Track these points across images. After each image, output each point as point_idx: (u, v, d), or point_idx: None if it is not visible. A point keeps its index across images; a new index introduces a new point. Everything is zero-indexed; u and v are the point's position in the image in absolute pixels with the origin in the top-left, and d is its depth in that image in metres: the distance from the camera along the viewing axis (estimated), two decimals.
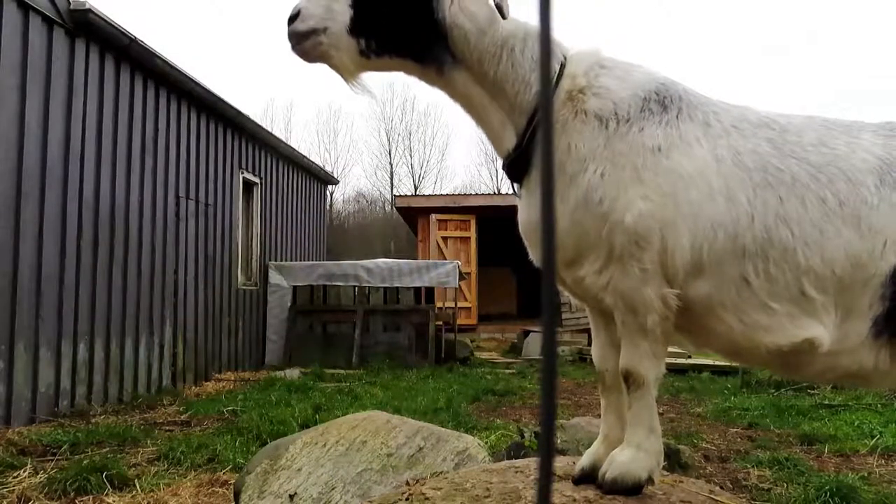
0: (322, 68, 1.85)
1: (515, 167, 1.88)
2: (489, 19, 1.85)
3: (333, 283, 11.99)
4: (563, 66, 1.85)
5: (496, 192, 29.62)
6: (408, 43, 1.84)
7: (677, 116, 1.80)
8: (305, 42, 1.82)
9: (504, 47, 1.86)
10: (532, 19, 1.89)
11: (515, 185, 1.94)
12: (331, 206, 30.47)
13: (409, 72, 1.91)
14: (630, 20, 58.87)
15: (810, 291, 1.75)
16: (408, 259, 13.88)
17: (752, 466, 4.88)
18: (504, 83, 1.86)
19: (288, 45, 1.84)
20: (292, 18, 1.82)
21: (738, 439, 5.89)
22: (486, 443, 4.64)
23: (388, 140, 39.37)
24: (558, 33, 1.98)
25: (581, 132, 1.78)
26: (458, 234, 16.64)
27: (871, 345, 1.77)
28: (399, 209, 19.00)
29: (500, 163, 1.99)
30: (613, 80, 1.83)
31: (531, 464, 2.12)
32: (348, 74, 1.86)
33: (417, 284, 11.94)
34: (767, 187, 1.76)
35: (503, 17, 1.82)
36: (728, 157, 1.78)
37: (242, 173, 11.23)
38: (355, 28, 1.80)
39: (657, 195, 1.72)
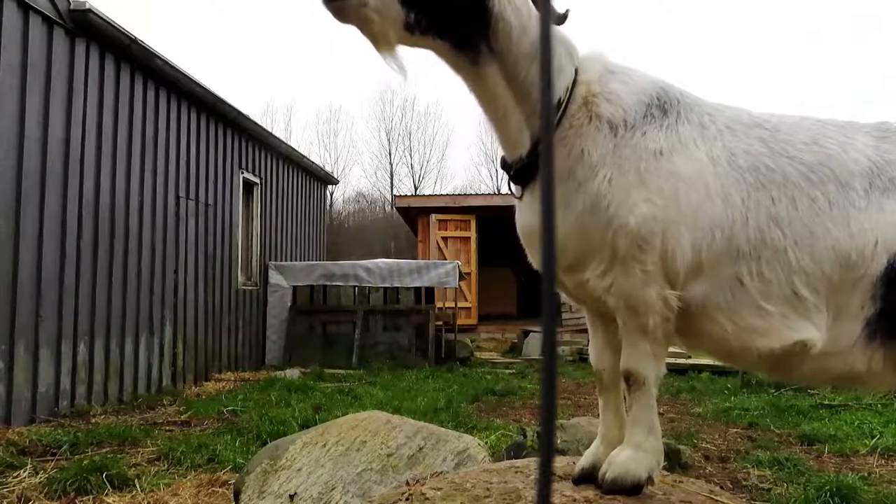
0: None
1: (526, 172, 1.85)
2: (529, 17, 1.80)
3: (333, 283, 11.99)
4: (577, 71, 1.83)
5: (496, 192, 29.59)
6: (456, 25, 1.76)
7: (676, 120, 1.81)
8: (347, 0, 1.65)
9: (537, 47, 1.80)
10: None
11: (517, 189, 1.92)
12: (331, 206, 30.47)
13: (441, 54, 1.82)
14: (630, 17, 58.91)
15: (802, 291, 1.75)
16: (408, 259, 13.87)
17: (752, 466, 4.88)
18: (532, 86, 1.80)
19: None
20: None
21: (738, 439, 5.89)
22: (486, 443, 4.63)
23: (388, 140, 39.44)
24: (573, 37, 1.92)
25: (595, 138, 1.77)
26: (458, 234, 16.64)
27: (863, 347, 1.77)
28: (399, 209, 18.99)
29: (500, 163, 1.96)
30: (621, 84, 1.83)
31: (531, 464, 2.12)
32: (386, 46, 1.73)
33: (417, 284, 11.94)
34: (760, 187, 1.78)
35: (562, 22, 1.77)
36: (723, 158, 1.79)
37: (242, 173, 11.23)
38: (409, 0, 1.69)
39: (659, 197, 1.72)
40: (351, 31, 1.74)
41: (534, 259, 1.92)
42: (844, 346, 1.77)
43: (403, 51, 1.77)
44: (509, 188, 1.95)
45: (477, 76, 1.82)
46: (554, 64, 1.81)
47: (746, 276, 1.75)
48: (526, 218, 1.90)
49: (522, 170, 1.85)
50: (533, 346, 12.98)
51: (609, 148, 1.76)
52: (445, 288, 12.69)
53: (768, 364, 1.84)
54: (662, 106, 1.81)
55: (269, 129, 13.54)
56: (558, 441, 4.03)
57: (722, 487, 3.56)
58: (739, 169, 1.78)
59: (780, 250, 1.75)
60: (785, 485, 4.45)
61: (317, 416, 6.11)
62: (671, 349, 1.87)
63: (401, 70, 1.76)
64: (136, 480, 4.30)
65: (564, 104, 1.79)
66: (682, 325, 1.80)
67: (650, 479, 1.78)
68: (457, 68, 1.83)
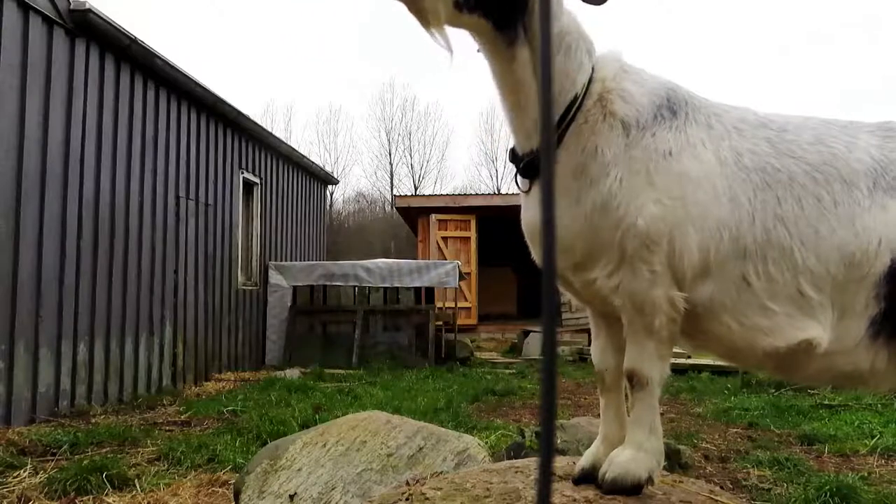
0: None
1: (535, 166, 1.83)
2: (559, 2, 1.79)
3: (333, 283, 11.99)
4: (593, 68, 1.83)
5: (496, 192, 29.59)
6: (501, 3, 1.74)
7: (685, 121, 1.81)
8: None
9: (563, 39, 1.80)
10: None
11: (524, 183, 1.90)
12: (331, 206, 30.48)
13: (481, 34, 1.79)
14: (630, 17, 58.89)
15: (807, 290, 1.76)
16: (408, 259, 13.88)
17: (752, 466, 4.87)
18: (555, 76, 1.78)
19: None
20: None
21: (738, 439, 5.89)
22: (486, 443, 4.63)
23: (388, 140, 39.44)
24: (593, 36, 1.90)
25: (608, 137, 1.77)
26: (458, 234, 16.64)
27: (867, 345, 1.77)
28: (399, 209, 18.98)
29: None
30: (634, 84, 1.83)
31: (531, 464, 2.12)
32: (435, 23, 1.69)
33: (417, 284, 11.93)
34: (766, 187, 1.78)
35: (602, 1, 1.76)
36: (730, 159, 1.79)
37: (242, 173, 11.23)
38: None
39: (668, 198, 1.72)
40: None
41: (537, 256, 1.92)
42: (849, 345, 1.78)
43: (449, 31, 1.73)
44: (516, 181, 1.92)
45: (509, 59, 1.79)
46: (574, 58, 1.81)
47: (753, 276, 1.76)
48: (532, 213, 1.90)
49: (532, 163, 1.84)
50: (533, 346, 12.98)
51: (621, 147, 1.76)
52: (445, 288, 12.69)
53: (773, 363, 1.84)
54: (671, 107, 1.82)
55: (269, 129, 13.55)
56: (558, 441, 4.03)
57: (722, 487, 3.56)
58: (746, 169, 1.79)
59: (786, 250, 1.76)
60: (785, 485, 4.45)
61: (317, 416, 6.10)
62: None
63: (448, 48, 1.72)
64: (136, 480, 4.30)
65: (580, 99, 1.79)
66: (688, 326, 1.80)
67: (650, 480, 1.78)
68: (492, 51, 1.81)
